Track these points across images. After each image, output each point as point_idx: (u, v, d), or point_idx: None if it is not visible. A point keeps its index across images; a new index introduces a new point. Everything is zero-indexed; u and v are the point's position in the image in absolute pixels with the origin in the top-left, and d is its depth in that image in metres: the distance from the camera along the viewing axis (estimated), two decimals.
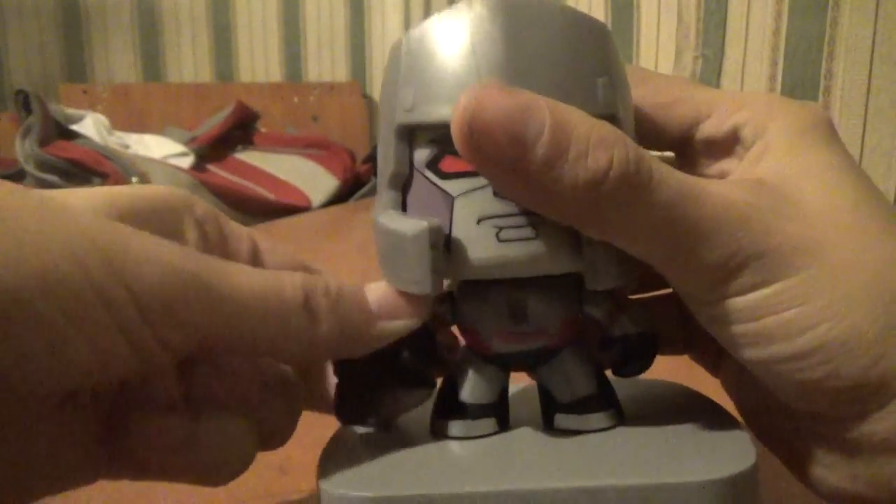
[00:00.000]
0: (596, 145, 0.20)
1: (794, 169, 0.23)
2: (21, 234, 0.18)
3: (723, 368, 0.28)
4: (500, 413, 0.25)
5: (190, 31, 1.56)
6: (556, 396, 0.25)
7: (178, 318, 0.20)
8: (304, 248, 0.84)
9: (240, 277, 0.22)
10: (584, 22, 0.23)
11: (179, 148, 1.16)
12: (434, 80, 0.22)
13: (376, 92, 1.63)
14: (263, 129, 1.35)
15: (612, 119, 0.22)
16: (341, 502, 0.22)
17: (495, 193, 0.22)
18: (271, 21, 1.58)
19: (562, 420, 0.24)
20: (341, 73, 1.61)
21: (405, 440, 0.25)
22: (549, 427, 0.25)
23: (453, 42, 0.22)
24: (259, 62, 1.59)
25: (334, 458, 0.24)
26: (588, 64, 0.23)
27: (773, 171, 0.24)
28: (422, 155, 0.23)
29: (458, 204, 0.23)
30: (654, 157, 0.22)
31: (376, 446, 0.24)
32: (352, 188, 1.23)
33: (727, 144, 0.26)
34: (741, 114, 0.25)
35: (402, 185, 0.24)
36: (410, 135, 0.23)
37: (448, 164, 0.23)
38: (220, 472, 0.24)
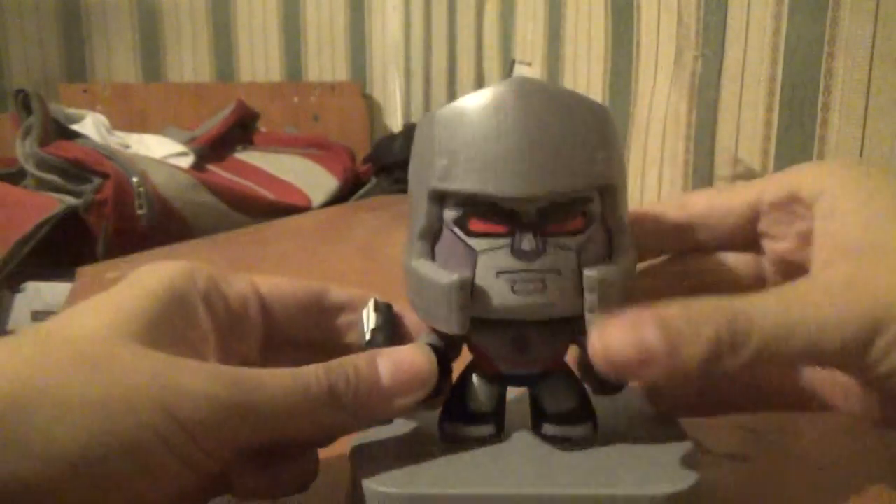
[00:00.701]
0: (700, 327, 0.25)
1: (871, 218, 0.27)
2: (87, 405, 0.22)
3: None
4: (497, 419, 0.30)
5: (190, 31, 1.56)
6: (544, 408, 0.30)
7: (222, 436, 0.24)
8: (304, 248, 0.84)
9: (271, 383, 0.25)
10: (587, 104, 0.28)
11: (179, 148, 1.15)
12: (464, 154, 0.27)
13: (376, 92, 1.63)
14: (263, 129, 1.35)
15: (610, 188, 0.28)
16: (383, 498, 0.26)
17: (512, 252, 0.27)
18: (271, 21, 1.58)
19: (548, 428, 0.30)
20: (341, 73, 1.61)
21: (421, 442, 0.30)
22: (536, 432, 0.30)
23: (480, 122, 0.27)
24: (259, 62, 1.59)
25: (368, 456, 0.29)
26: (589, 141, 0.27)
27: (854, 231, 0.27)
28: (450, 214, 0.28)
29: (481, 259, 0.27)
30: (745, 298, 0.25)
31: (399, 447, 0.30)
32: (352, 188, 1.23)
33: (791, 208, 0.29)
34: (792, 178, 0.29)
35: (433, 237, 0.28)
36: (441, 197, 0.28)
37: (474, 224, 0.27)
38: (298, 490, 0.28)
